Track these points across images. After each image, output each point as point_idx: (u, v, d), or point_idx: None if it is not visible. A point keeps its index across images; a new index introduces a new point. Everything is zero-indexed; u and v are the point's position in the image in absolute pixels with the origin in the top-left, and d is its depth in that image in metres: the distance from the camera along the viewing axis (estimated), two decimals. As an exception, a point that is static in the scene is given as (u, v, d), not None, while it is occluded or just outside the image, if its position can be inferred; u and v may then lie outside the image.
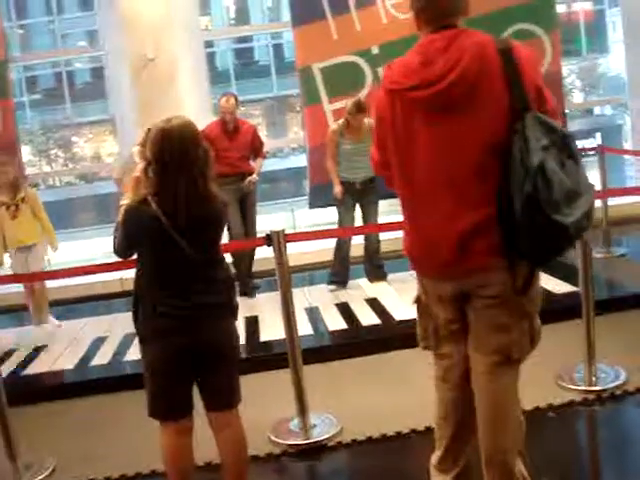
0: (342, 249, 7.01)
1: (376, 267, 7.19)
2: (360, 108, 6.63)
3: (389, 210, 7.17)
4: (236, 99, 7.17)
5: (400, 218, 2.91)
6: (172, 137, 2.94)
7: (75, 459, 4.28)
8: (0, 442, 4.18)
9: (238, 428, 3.26)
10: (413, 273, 2.91)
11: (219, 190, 3.10)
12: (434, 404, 2.95)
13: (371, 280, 7.18)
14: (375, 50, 7.91)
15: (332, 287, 7.08)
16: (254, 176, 7.17)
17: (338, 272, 7.12)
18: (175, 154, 2.92)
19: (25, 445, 4.29)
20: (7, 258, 6.75)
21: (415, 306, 2.96)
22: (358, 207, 6.99)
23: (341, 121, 6.87)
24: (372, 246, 7.11)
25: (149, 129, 3.05)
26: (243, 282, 7.18)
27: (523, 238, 2.50)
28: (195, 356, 3.05)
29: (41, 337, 6.64)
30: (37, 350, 6.28)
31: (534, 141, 2.46)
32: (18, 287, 7.04)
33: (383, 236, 7.01)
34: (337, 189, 6.85)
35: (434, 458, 3.05)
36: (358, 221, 7.05)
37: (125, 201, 3.08)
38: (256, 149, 7.33)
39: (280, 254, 4.13)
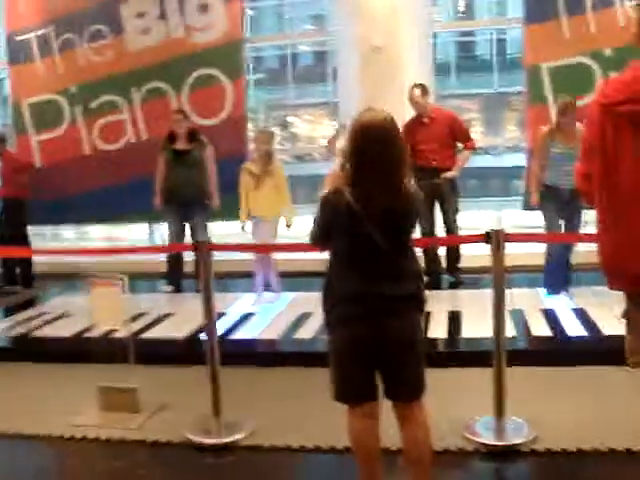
0: (552, 257, 6.71)
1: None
2: (570, 107, 6.42)
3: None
4: (423, 88, 7.04)
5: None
6: (371, 133, 2.97)
7: (273, 425, 4.46)
8: (209, 398, 4.46)
9: (423, 420, 3.21)
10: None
11: (415, 187, 3.11)
12: None
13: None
14: (608, 52, 7.65)
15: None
16: (452, 172, 7.07)
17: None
18: (373, 150, 2.96)
19: (229, 404, 4.51)
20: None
21: (624, 321, 2.89)
22: None
23: (552, 124, 6.67)
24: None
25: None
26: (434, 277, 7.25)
27: None
28: (379, 347, 3.06)
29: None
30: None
31: None
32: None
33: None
34: (533, 197, 6.65)
35: None
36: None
37: (323, 192, 3.18)
38: (459, 137, 7.19)
39: (498, 253, 4.10)
